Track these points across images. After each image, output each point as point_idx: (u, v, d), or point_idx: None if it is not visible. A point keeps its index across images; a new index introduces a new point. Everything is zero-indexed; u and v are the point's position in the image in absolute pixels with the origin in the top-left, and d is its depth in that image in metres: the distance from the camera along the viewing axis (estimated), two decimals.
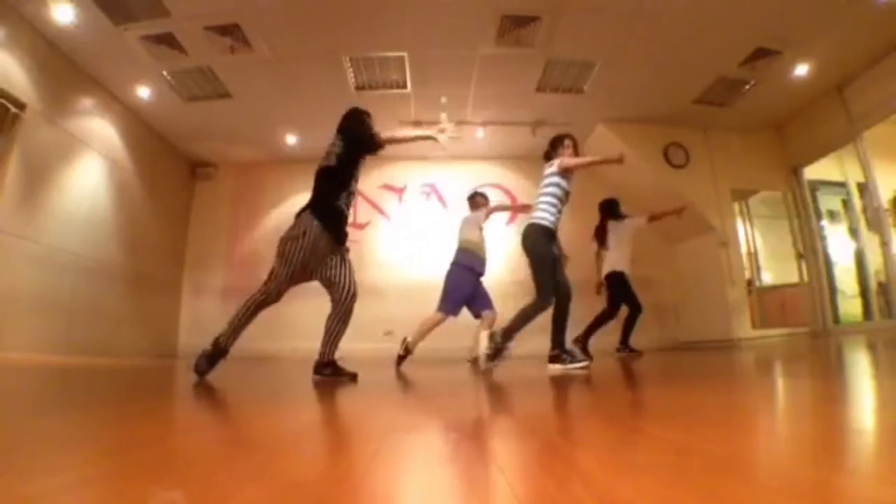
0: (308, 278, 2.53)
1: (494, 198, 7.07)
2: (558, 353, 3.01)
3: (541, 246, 3.06)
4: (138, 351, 5.66)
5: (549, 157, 3.31)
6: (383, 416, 1.32)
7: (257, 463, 0.71)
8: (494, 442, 0.90)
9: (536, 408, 1.45)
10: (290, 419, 1.25)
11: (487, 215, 4.26)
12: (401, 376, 2.87)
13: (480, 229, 4.22)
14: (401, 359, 3.88)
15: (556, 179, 3.17)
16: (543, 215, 3.14)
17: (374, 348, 5.79)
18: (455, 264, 4.12)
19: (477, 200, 4.38)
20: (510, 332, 3.02)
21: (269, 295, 2.48)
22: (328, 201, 2.51)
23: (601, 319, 4.55)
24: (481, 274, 4.14)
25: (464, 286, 4.03)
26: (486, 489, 0.59)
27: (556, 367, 2.93)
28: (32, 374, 2.84)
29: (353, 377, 2.42)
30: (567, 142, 3.29)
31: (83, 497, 0.54)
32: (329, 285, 2.54)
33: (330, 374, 2.47)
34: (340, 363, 2.53)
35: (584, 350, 4.44)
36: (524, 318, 3.00)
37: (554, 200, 3.15)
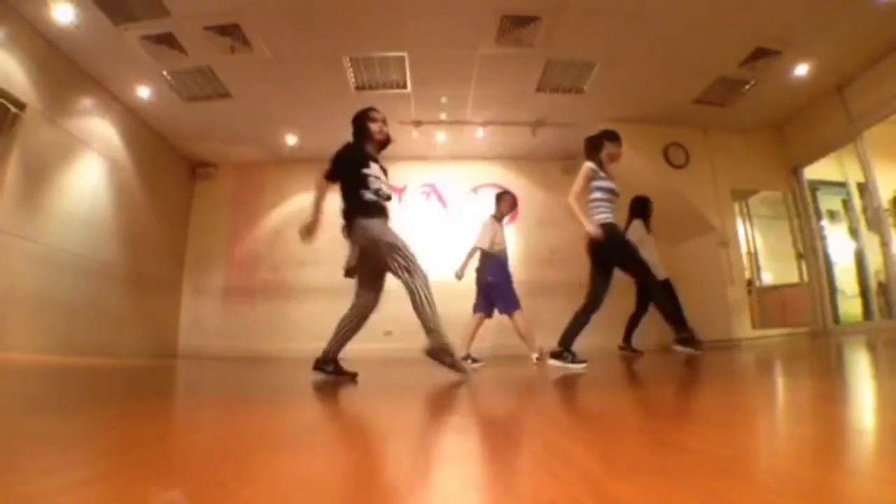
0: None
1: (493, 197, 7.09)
2: (561, 350, 3.05)
3: (620, 236, 3.27)
4: (138, 351, 5.66)
5: (592, 152, 3.35)
6: (384, 416, 1.32)
7: (258, 463, 0.71)
8: (495, 442, 0.90)
9: (536, 408, 1.45)
10: (292, 419, 1.25)
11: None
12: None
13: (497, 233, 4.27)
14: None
15: (598, 183, 3.26)
16: (603, 215, 3.22)
17: (374, 348, 5.79)
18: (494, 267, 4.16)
19: (499, 202, 4.39)
20: (680, 320, 3.44)
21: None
22: (357, 201, 2.55)
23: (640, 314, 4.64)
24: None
25: (505, 281, 4.11)
26: (487, 489, 0.58)
27: (557, 363, 3.00)
28: (32, 374, 2.84)
29: (353, 377, 2.43)
30: (618, 142, 3.38)
31: (83, 497, 0.54)
32: (373, 283, 2.62)
33: (332, 371, 2.50)
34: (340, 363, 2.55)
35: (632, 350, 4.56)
36: (658, 300, 3.34)
37: (604, 200, 3.26)
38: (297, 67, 4.98)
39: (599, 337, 4.60)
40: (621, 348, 4.62)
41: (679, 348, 3.46)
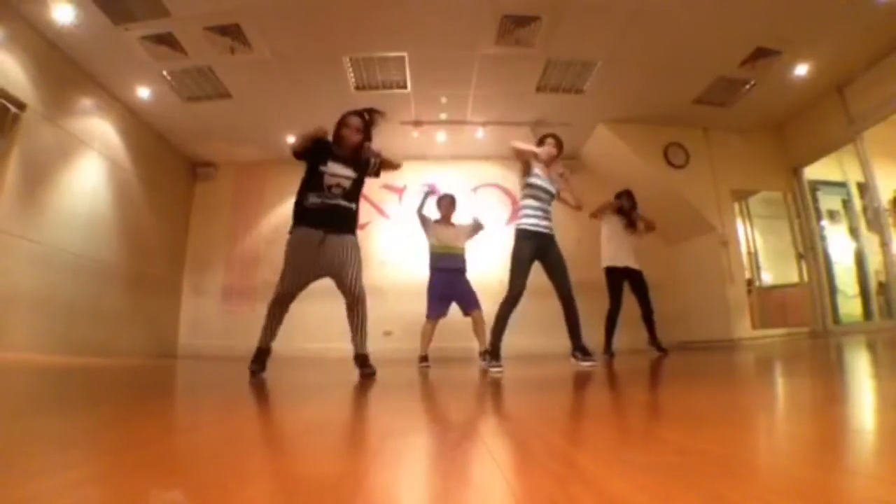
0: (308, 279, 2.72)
1: (493, 197, 7.10)
2: (574, 349, 3.15)
3: (515, 248, 3.19)
4: (138, 351, 5.66)
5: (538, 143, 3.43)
6: (384, 416, 1.32)
7: (258, 463, 0.71)
8: (494, 442, 0.90)
9: (536, 408, 1.45)
10: (292, 419, 1.25)
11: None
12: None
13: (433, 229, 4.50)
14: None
15: (527, 180, 3.28)
16: (521, 221, 3.26)
17: (373, 349, 5.78)
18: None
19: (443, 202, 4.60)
20: (496, 326, 3.15)
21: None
22: (298, 203, 2.80)
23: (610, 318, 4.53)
24: (454, 271, 4.33)
25: (431, 287, 4.31)
26: (486, 489, 0.58)
27: (574, 362, 3.10)
28: (32, 374, 2.84)
29: (370, 374, 2.58)
30: (549, 140, 3.36)
31: (83, 497, 0.54)
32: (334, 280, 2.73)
33: (359, 365, 2.68)
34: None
35: (607, 350, 4.46)
36: (497, 316, 3.14)
37: (529, 202, 3.26)
38: (297, 67, 4.98)
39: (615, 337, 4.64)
40: (654, 347, 4.51)
41: (573, 361, 3.16)
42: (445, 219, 4.55)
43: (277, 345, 2.87)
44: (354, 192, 2.79)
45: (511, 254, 3.18)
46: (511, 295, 3.09)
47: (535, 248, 3.17)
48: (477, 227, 4.50)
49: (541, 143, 3.39)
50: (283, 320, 2.77)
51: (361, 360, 2.68)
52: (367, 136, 2.83)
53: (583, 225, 5.55)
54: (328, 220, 2.68)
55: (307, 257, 2.64)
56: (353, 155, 2.80)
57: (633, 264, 4.56)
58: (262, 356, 2.73)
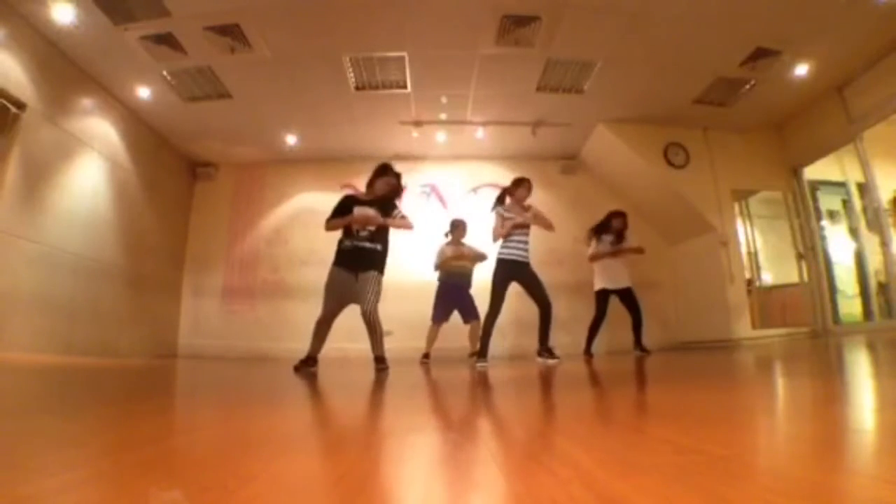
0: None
1: (493, 197, 7.11)
2: (541, 349, 3.77)
3: (494, 275, 3.81)
4: (138, 351, 5.66)
5: (510, 192, 3.97)
6: (383, 415, 1.32)
7: (258, 463, 0.71)
8: (494, 442, 0.90)
9: (536, 408, 1.46)
10: (292, 419, 1.25)
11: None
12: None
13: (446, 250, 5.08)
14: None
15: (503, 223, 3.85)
16: (500, 251, 3.84)
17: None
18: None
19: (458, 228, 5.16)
20: (483, 337, 3.76)
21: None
22: (338, 243, 3.35)
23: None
24: (461, 286, 4.92)
25: (439, 296, 4.91)
26: (486, 489, 0.59)
27: (540, 360, 3.70)
28: (32, 374, 2.84)
29: (384, 370, 3.08)
30: (524, 184, 3.95)
31: (84, 496, 0.54)
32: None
33: (376, 363, 3.21)
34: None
35: (587, 351, 4.93)
36: (483, 327, 3.77)
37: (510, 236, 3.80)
38: (297, 67, 4.98)
39: (606, 339, 4.79)
40: (638, 349, 4.82)
41: (539, 359, 3.74)
42: (456, 241, 5.11)
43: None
44: (380, 233, 3.26)
45: (491, 279, 3.80)
46: (491, 312, 3.72)
47: (510, 274, 3.78)
48: (481, 257, 5.02)
49: (517, 184, 3.96)
50: (327, 335, 3.34)
51: (378, 360, 3.23)
52: (398, 191, 3.47)
53: (581, 224, 5.60)
54: (357, 261, 3.22)
55: (342, 289, 3.23)
56: (379, 200, 3.32)
57: (623, 284, 4.88)
58: (308, 361, 3.28)
